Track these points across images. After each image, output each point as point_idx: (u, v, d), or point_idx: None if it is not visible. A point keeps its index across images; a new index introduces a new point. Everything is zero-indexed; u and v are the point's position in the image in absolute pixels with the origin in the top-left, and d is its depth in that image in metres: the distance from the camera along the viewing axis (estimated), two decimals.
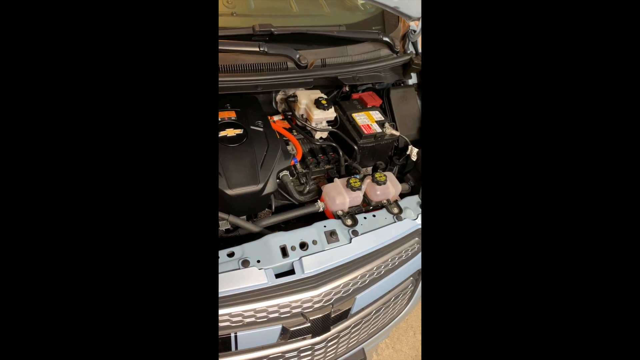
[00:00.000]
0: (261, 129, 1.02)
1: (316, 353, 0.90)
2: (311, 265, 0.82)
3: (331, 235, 0.88)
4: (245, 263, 0.79)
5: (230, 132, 0.97)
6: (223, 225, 0.96)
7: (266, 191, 0.95)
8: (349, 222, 0.93)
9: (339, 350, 0.97)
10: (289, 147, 1.12)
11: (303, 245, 0.85)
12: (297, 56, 1.07)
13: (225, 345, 0.77)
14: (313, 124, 1.15)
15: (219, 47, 0.99)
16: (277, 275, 0.80)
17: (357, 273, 0.87)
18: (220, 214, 0.91)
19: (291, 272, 0.82)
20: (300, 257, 0.82)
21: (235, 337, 0.77)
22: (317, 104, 1.12)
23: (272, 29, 1.05)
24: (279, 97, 1.30)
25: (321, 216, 1.03)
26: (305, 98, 1.15)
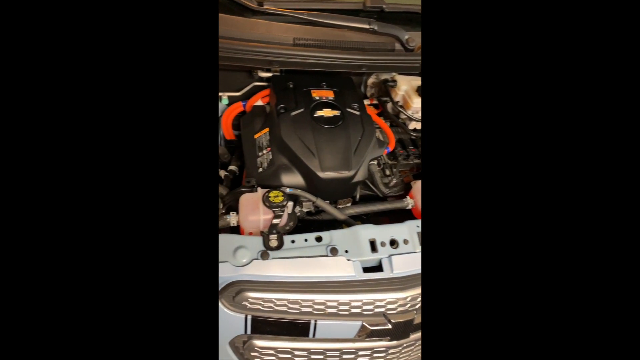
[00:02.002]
0: (357, 113, 0.96)
1: (389, 357, 0.85)
2: (401, 265, 0.76)
3: None
4: (334, 251, 0.75)
5: (327, 113, 0.93)
6: (306, 207, 0.94)
7: (356, 179, 0.91)
8: None
9: (411, 358, 0.91)
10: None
11: (393, 243, 0.79)
12: (406, 37, 0.99)
13: (304, 330, 0.75)
14: (409, 112, 1.06)
15: (325, 21, 0.94)
16: (364, 270, 0.76)
17: None
18: (308, 195, 0.88)
19: (378, 268, 0.77)
20: (390, 255, 0.77)
21: (315, 324, 0.75)
22: (419, 91, 1.03)
23: (384, 6, 0.97)
24: (370, 80, 1.23)
25: (407, 214, 0.96)
26: (405, 84, 1.06)
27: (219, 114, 1.21)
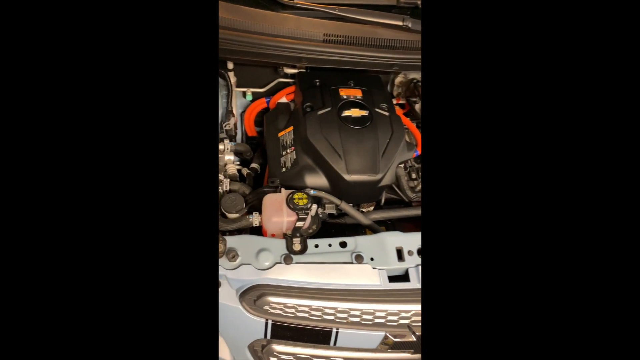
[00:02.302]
0: (386, 114, 0.92)
1: None
2: None
3: None
4: (359, 258, 0.72)
5: (355, 113, 0.90)
6: (329, 209, 0.91)
7: (383, 183, 0.87)
8: None
9: None
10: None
11: (421, 252, 0.76)
12: None
13: (325, 338, 0.73)
14: None
15: (357, 17, 0.90)
16: (390, 279, 0.73)
17: None
18: (332, 198, 0.85)
19: (404, 277, 0.74)
20: (417, 265, 0.73)
21: (337, 333, 0.72)
22: None
23: (418, 2, 0.93)
24: (398, 79, 1.19)
25: None
26: None
27: (242, 110, 1.20)
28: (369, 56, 0.88)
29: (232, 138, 1.06)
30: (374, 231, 0.88)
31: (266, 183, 0.92)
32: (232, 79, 1.08)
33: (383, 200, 0.97)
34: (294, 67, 1.04)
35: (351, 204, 0.91)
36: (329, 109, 0.89)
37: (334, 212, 0.91)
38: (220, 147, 0.94)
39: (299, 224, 0.76)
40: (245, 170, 0.99)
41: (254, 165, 1.02)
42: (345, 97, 0.92)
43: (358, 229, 0.91)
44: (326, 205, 0.88)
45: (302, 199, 0.78)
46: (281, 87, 1.12)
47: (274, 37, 0.83)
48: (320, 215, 0.90)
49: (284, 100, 1.09)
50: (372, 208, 0.99)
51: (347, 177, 0.83)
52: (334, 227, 0.91)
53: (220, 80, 1.10)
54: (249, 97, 1.14)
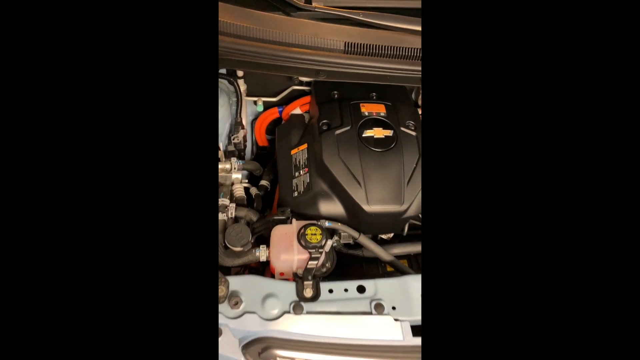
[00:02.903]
0: (413, 133, 0.81)
1: None
2: None
3: None
4: (379, 308, 0.63)
5: (378, 133, 0.79)
6: (345, 239, 0.82)
7: (408, 214, 0.77)
8: None
9: None
10: None
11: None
12: None
13: None
14: None
15: (382, 23, 0.79)
16: (414, 330, 0.64)
17: None
18: (350, 231, 0.76)
19: None
20: None
21: None
22: None
23: None
24: None
25: None
26: None
27: (253, 117, 1.11)
28: (396, 69, 0.77)
29: (241, 152, 0.98)
30: (396, 267, 0.79)
31: (275, 208, 0.83)
32: (242, 86, 0.99)
33: (406, 231, 0.87)
34: None
35: (370, 235, 0.82)
36: (348, 127, 0.79)
37: (350, 241, 0.82)
38: (227, 165, 0.86)
39: (312, 263, 0.67)
40: (254, 190, 0.91)
41: (263, 182, 0.94)
42: (367, 113, 0.82)
43: (377, 262, 0.82)
44: (342, 234, 0.80)
45: (315, 234, 0.69)
46: (295, 95, 1.03)
47: (288, 47, 0.73)
48: (335, 244, 0.81)
49: (297, 111, 0.99)
50: (391, 235, 0.89)
51: (367, 207, 0.74)
52: (348, 257, 0.82)
53: (229, 87, 1.01)
54: (260, 108, 1.05)
